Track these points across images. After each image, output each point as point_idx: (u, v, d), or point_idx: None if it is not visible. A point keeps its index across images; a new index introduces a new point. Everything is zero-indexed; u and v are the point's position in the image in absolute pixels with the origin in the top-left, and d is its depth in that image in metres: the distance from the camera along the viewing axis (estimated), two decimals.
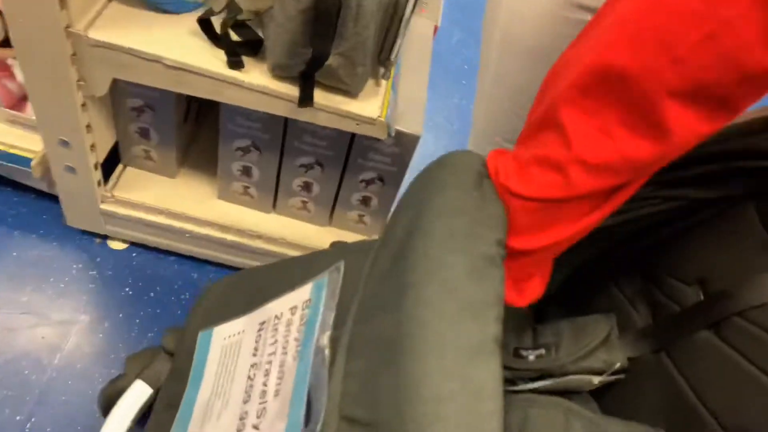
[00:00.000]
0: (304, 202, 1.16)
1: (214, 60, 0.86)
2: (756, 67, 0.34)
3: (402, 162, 1.03)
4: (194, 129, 1.26)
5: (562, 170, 0.43)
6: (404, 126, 0.96)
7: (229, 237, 1.17)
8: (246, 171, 1.11)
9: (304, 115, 0.90)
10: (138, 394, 0.77)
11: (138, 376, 0.78)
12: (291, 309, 0.53)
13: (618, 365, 0.54)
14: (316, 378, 0.44)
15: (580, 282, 0.54)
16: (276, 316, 0.54)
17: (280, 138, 1.03)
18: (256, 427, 0.46)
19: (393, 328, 0.40)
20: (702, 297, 0.51)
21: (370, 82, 0.92)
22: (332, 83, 0.87)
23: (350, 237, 1.20)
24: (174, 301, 1.19)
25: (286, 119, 0.99)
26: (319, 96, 0.87)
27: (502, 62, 0.81)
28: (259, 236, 1.18)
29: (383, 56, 0.90)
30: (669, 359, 0.51)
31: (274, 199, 1.17)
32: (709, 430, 0.45)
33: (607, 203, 0.44)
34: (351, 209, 1.16)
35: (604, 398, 0.56)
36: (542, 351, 0.56)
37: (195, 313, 0.66)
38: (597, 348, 0.54)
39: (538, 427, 0.50)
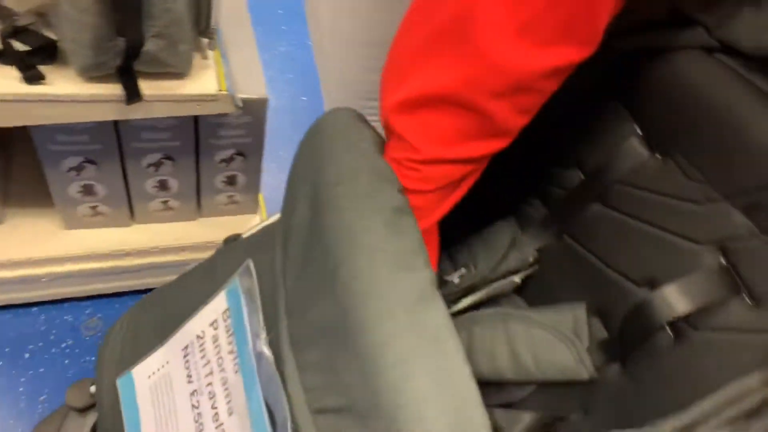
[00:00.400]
0: (164, 202, 1.07)
1: (5, 81, 0.73)
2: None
3: (257, 130, 0.98)
4: (5, 162, 1.09)
5: (416, 170, 0.46)
6: (248, 92, 0.90)
7: (93, 265, 1.06)
8: (87, 190, 0.99)
9: (137, 113, 0.81)
10: None
11: None
12: (211, 324, 0.49)
13: (531, 258, 0.58)
14: (269, 383, 0.42)
15: (473, 197, 0.56)
16: (198, 336, 0.50)
17: (115, 144, 0.92)
18: None
19: (334, 309, 0.39)
20: (582, 176, 0.55)
21: (197, 58, 0.84)
22: (157, 69, 0.78)
23: (224, 222, 1.14)
24: (56, 353, 1.06)
25: (116, 122, 0.89)
26: (147, 87, 0.79)
27: (335, 19, 0.77)
28: (126, 254, 1.07)
29: (202, 26, 0.82)
30: (572, 239, 0.56)
31: (130, 209, 1.06)
32: (623, 288, 0.51)
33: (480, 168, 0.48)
34: (218, 193, 1.09)
35: (529, 293, 0.60)
36: (463, 271, 0.58)
37: (102, 363, 0.59)
38: (508, 251, 0.58)
39: (483, 341, 0.53)
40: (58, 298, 1.10)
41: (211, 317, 0.50)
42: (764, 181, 0.43)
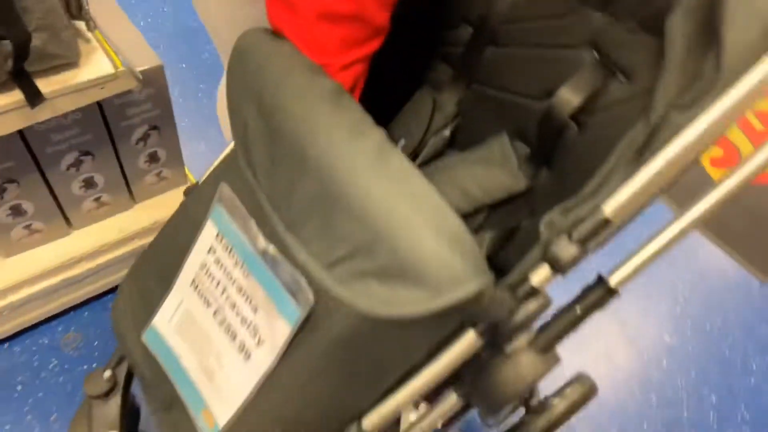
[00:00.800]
0: (96, 199, 1.07)
1: None
2: None
3: (162, 98, 1.00)
4: None
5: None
6: (142, 63, 0.91)
7: (44, 284, 1.05)
8: (16, 210, 0.98)
9: (45, 113, 0.81)
10: None
11: None
12: (209, 251, 0.55)
13: (452, 112, 0.66)
14: (280, 269, 0.49)
15: (391, 79, 0.63)
16: (201, 267, 0.55)
17: (27, 156, 0.92)
18: (259, 343, 0.50)
19: (314, 183, 0.46)
20: (471, 29, 0.64)
21: (81, 43, 0.84)
22: (48, 64, 0.78)
23: (160, 201, 1.16)
24: (46, 376, 1.07)
25: (20, 133, 0.88)
26: (45, 85, 0.79)
27: None
28: (75, 262, 1.08)
29: (74, 10, 0.82)
30: (480, 85, 0.65)
31: (65, 218, 1.06)
32: (530, 107, 0.61)
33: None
34: (145, 174, 1.10)
35: (460, 143, 0.69)
36: (402, 141, 0.66)
37: (122, 333, 0.63)
38: (433, 113, 0.66)
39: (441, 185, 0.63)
40: (25, 326, 1.10)
41: (206, 246, 0.55)
42: None
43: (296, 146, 0.47)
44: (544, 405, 0.74)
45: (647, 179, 0.44)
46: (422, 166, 0.69)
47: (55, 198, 1.01)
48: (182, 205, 0.65)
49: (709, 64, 0.43)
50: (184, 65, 1.69)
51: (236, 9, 0.75)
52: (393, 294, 0.42)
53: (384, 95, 0.67)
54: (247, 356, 0.51)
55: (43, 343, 1.12)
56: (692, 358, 1.40)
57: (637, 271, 0.56)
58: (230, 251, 0.53)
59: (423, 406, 0.64)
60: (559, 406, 0.77)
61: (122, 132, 1.00)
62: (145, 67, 0.91)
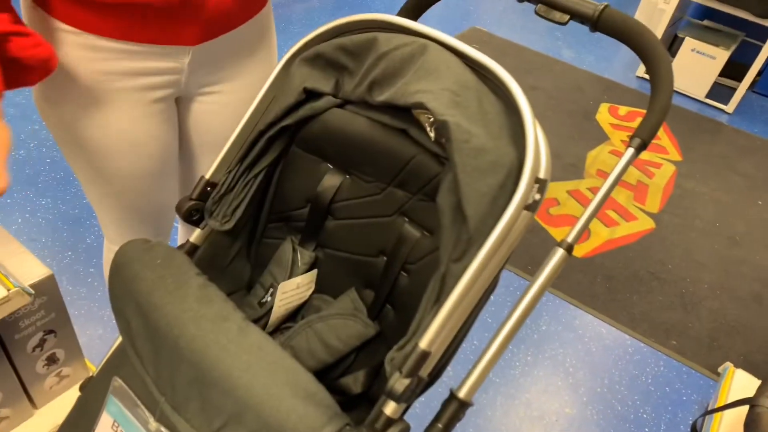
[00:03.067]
0: None
1: None
2: None
3: (55, 303, 1.06)
4: None
5: None
6: (31, 276, 0.98)
7: None
8: None
9: None
10: None
11: None
12: None
13: (309, 261, 0.80)
14: None
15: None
16: None
17: None
18: None
19: (190, 368, 0.57)
20: (310, 207, 0.80)
21: None
22: None
23: (63, 400, 1.17)
24: None
25: None
26: None
27: None
28: None
29: None
30: (326, 248, 0.81)
31: None
32: (369, 263, 0.76)
33: None
34: (44, 378, 1.13)
35: (325, 289, 0.83)
36: (271, 290, 0.78)
37: None
38: (293, 264, 0.79)
39: (301, 348, 0.75)
40: None
41: None
42: (399, 167, 0.72)
43: (171, 339, 0.58)
44: None
45: (444, 316, 0.59)
46: (288, 320, 0.81)
47: None
48: (79, 400, 0.72)
49: (465, 227, 0.60)
50: (69, 253, 1.74)
51: None
52: None
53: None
54: None
55: None
56: (592, 422, 1.54)
57: (481, 379, 0.69)
58: None
59: None
60: None
61: (17, 344, 1.04)
62: (35, 280, 0.98)
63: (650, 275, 2.03)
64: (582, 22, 0.85)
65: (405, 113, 0.68)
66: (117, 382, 0.64)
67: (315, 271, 0.82)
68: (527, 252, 2.03)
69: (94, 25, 0.77)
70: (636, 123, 2.88)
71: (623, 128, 2.81)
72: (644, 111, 3.11)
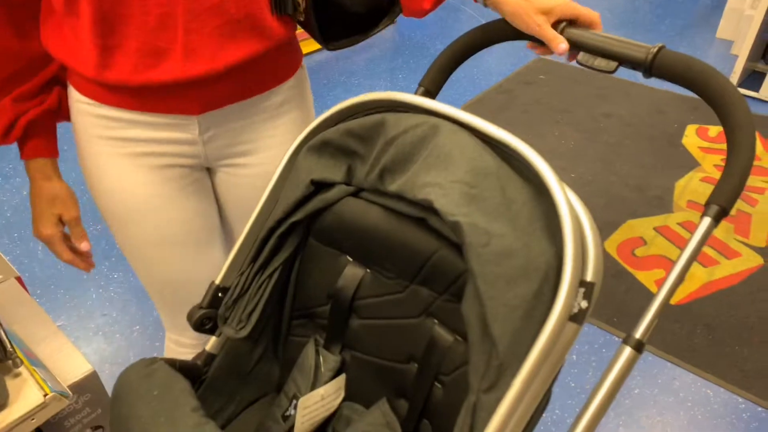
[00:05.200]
0: None
1: None
2: None
3: (100, 400, 1.04)
4: None
5: None
6: (72, 374, 0.97)
7: None
8: None
9: None
10: None
11: None
12: None
13: (336, 366, 0.72)
14: None
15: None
16: None
17: None
18: None
19: None
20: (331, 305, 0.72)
21: (10, 380, 0.91)
22: None
23: None
24: None
25: None
26: None
27: None
28: None
29: (0, 355, 0.89)
30: (352, 351, 0.72)
31: None
32: (400, 370, 0.67)
33: None
34: None
35: (351, 396, 0.74)
36: (294, 401, 0.70)
37: None
38: (317, 369, 0.71)
39: None
40: None
41: None
42: (420, 263, 0.63)
43: None
44: None
45: None
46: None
47: None
48: None
49: (494, 351, 0.50)
50: (137, 327, 1.76)
51: None
52: None
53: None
54: None
55: None
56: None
57: None
58: None
59: None
60: None
61: None
62: (76, 379, 0.97)
63: (762, 321, 1.76)
64: (634, 68, 0.73)
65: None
66: None
67: (342, 378, 0.73)
68: (611, 302, 1.83)
69: (101, 95, 0.77)
70: None
71: (715, 151, 2.54)
72: None
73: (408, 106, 0.62)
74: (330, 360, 0.72)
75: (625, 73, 3.11)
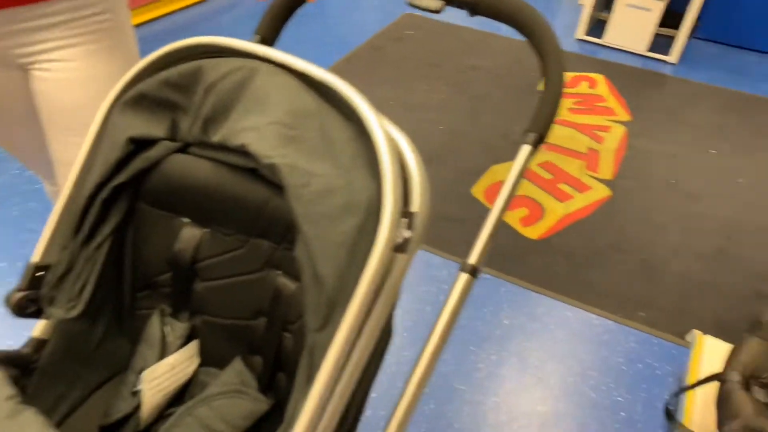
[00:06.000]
0: None
1: None
2: None
3: None
4: None
5: None
6: None
7: None
8: None
9: None
10: None
11: None
12: None
13: (184, 333, 0.69)
14: None
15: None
16: None
17: None
18: None
19: None
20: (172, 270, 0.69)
21: None
22: None
23: None
24: None
25: None
26: None
27: None
28: None
29: None
30: (201, 315, 0.69)
31: None
32: (249, 327, 0.65)
33: None
34: None
35: (206, 360, 0.72)
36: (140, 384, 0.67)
37: None
38: (164, 339, 0.67)
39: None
40: None
41: None
42: (255, 215, 0.61)
43: None
44: None
45: (316, 400, 0.48)
46: (174, 404, 0.70)
47: None
48: None
49: (322, 289, 0.49)
50: None
51: None
52: None
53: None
54: None
55: None
56: (567, 416, 1.46)
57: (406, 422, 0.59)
58: None
59: None
60: None
61: None
62: None
63: (610, 247, 1.95)
64: (460, 7, 0.75)
65: None
66: None
67: (194, 344, 0.70)
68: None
69: None
70: (582, 88, 2.80)
71: (568, 95, 2.73)
72: (589, 74, 3.03)
73: (225, 50, 0.59)
74: (178, 328, 0.69)
75: (488, 26, 3.23)
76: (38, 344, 0.66)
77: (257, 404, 0.64)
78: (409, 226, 0.51)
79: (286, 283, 0.62)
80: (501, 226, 1.98)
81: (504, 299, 1.76)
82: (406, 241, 0.51)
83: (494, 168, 2.26)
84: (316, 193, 0.49)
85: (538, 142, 0.65)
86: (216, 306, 0.68)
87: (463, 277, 0.62)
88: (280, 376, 0.66)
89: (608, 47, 3.17)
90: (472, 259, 0.62)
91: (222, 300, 0.67)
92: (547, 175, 2.26)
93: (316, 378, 0.49)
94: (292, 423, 0.49)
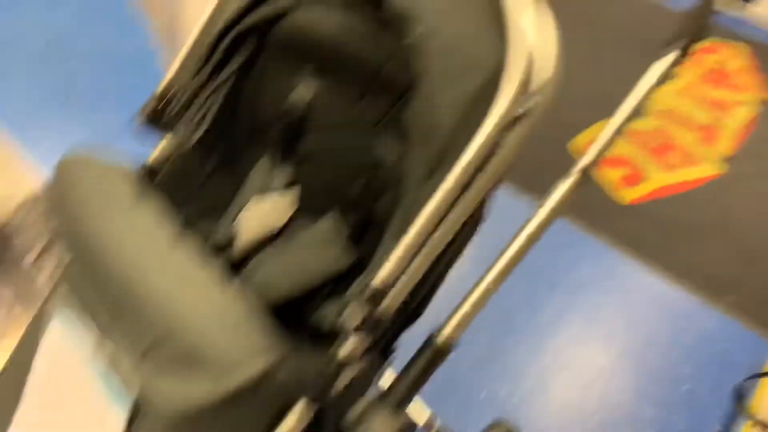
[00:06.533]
0: None
1: None
2: None
3: None
4: None
5: None
6: None
7: None
8: None
9: None
10: None
11: None
12: (58, 350, 0.58)
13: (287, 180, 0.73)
14: (109, 369, 0.53)
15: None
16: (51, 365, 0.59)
17: None
18: None
19: (115, 286, 0.51)
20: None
21: None
22: None
23: None
24: None
25: None
26: None
27: None
28: None
29: None
30: (308, 164, 0.72)
31: None
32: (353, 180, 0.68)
33: None
34: None
35: (304, 208, 0.75)
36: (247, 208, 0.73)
37: None
38: (267, 182, 0.72)
39: (264, 275, 0.68)
40: None
41: (55, 345, 0.59)
42: (375, 72, 0.62)
43: (97, 253, 0.53)
44: None
45: (405, 247, 0.50)
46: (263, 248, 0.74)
47: None
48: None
49: (435, 140, 0.50)
50: None
51: None
52: (186, 386, 0.47)
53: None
54: None
55: None
56: (626, 375, 1.43)
57: (463, 324, 0.61)
58: (73, 350, 0.58)
59: None
60: None
61: None
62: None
63: (710, 225, 1.83)
64: None
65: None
66: (65, 291, 0.60)
67: (293, 192, 0.74)
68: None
69: None
70: (718, 57, 2.57)
71: (695, 65, 2.51)
72: (729, 43, 2.75)
73: None
74: (281, 174, 0.73)
75: None
76: (150, 172, 0.72)
77: (345, 257, 0.67)
78: (530, 101, 0.50)
79: (395, 143, 0.63)
80: (593, 183, 1.91)
81: (584, 252, 1.72)
82: (529, 112, 0.50)
83: (602, 123, 2.15)
84: (442, 49, 0.49)
85: (686, 49, 0.61)
86: (321, 159, 0.71)
87: (573, 175, 0.61)
88: (369, 236, 0.69)
89: (756, 21, 2.86)
90: (587, 160, 0.61)
91: (328, 153, 0.70)
92: (657, 141, 2.13)
93: (409, 229, 0.50)
94: (375, 270, 0.52)
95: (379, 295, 0.51)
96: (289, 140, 0.72)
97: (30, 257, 1.06)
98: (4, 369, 0.70)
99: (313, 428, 0.55)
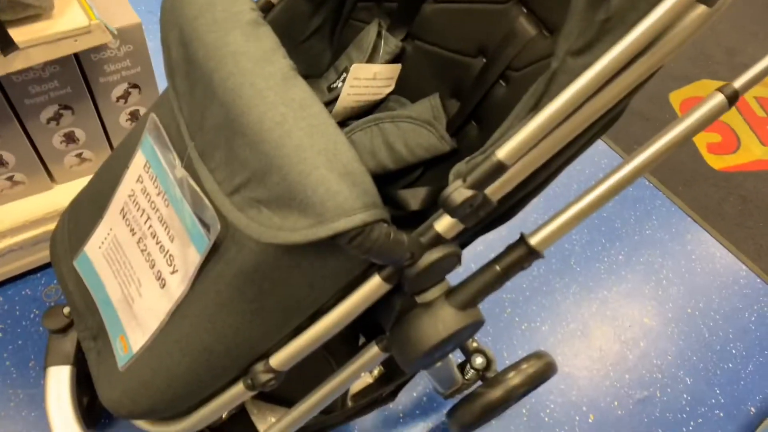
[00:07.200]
0: (78, 155, 1.10)
1: None
2: None
3: (141, 56, 1.02)
4: None
5: None
6: (119, 21, 0.94)
7: (26, 235, 1.08)
8: None
9: (17, 63, 0.84)
10: (58, 379, 0.78)
11: (46, 367, 0.78)
12: (138, 180, 0.57)
13: (395, 50, 0.67)
14: (192, 198, 0.51)
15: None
16: (129, 196, 0.58)
17: (6, 107, 0.95)
18: (174, 272, 0.52)
19: (220, 109, 0.48)
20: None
21: None
22: (20, 14, 0.81)
23: None
24: (27, 324, 1.12)
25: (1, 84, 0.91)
26: (18, 34, 0.82)
27: None
28: (58, 214, 1.11)
29: None
30: (418, 40, 0.66)
31: (47, 172, 1.10)
32: (463, 63, 0.61)
33: None
34: (126, 132, 1.13)
35: (405, 92, 0.69)
36: (344, 74, 0.67)
37: (58, 261, 0.66)
38: (376, 43, 0.66)
39: (364, 143, 0.64)
40: (9, 276, 1.14)
41: (135, 175, 0.58)
42: None
43: (206, 73, 0.49)
44: (499, 378, 0.76)
45: (539, 124, 0.45)
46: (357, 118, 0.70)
47: (36, 151, 1.05)
48: (132, 129, 0.67)
49: (602, 11, 0.43)
50: None
51: None
52: (283, 222, 0.44)
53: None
54: (163, 285, 0.54)
55: (26, 293, 1.16)
56: (671, 340, 1.39)
57: (559, 233, 0.56)
58: (155, 180, 0.56)
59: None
60: (514, 379, 0.78)
61: (102, 88, 1.03)
62: (122, 25, 0.94)
63: None
64: None
65: None
66: (153, 118, 0.57)
67: (397, 67, 0.69)
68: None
69: None
70: None
71: None
72: None
73: None
74: (391, 42, 0.67)
75: None
76: (266, 5, 0.66)
77: (441, 142, 0.63)
78: None
79: (526, 26, 0.57)
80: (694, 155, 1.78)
81: (656, 211, 1.63)
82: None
83: (705, 81, 1.98)
84: None
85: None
86: (437, 32, 0.65)
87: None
88: (471, 126, 0.64)
89: None
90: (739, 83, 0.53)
91: (448, 27, 0.64)
92: (761, 113, 1.96)
93: (547, 105, 0.44)
94: (499, 143, 0.46)
95: (494, 171, 0.46)
96: (407, 8, 0.65)
97: (118, 90, 1.04)
98: (95, 177, 0.69)
99: (382, 304, 0.52)
